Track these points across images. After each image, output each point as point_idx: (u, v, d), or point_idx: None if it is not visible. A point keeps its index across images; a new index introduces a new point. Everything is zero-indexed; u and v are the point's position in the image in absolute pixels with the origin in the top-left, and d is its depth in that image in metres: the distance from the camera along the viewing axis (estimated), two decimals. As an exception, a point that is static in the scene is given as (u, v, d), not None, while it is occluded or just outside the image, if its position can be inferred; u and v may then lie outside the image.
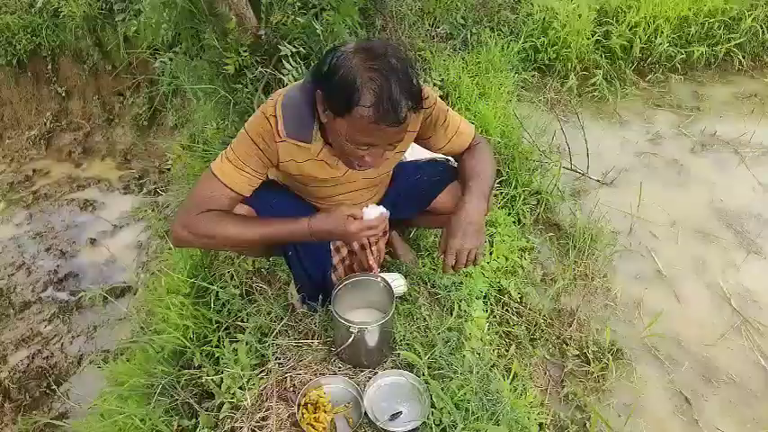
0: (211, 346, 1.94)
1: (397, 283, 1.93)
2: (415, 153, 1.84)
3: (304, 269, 1.75)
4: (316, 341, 1.80)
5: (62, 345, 3.52)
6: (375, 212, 1.47)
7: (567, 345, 2.28)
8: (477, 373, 1.66)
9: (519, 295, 2.38)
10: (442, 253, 1.55)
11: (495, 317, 2.24)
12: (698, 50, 3.89)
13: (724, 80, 3.99)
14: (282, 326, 1.86)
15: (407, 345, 1.77)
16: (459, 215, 1.52)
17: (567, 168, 3.07)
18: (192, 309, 2.12)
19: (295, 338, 1.82)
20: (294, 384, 1.67)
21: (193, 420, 1.83)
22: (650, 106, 3.74)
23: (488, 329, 2.10)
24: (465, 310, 1.94)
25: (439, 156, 1.83)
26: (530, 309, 2.38)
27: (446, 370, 1.66)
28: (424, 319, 1.88)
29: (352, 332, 1.58)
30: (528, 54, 3.87)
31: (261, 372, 1.74)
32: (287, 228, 1.52)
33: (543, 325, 2.33)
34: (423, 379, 1.64)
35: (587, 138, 3.16)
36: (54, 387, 3.23)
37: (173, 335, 2.06)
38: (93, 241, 4.21)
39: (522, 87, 3.74)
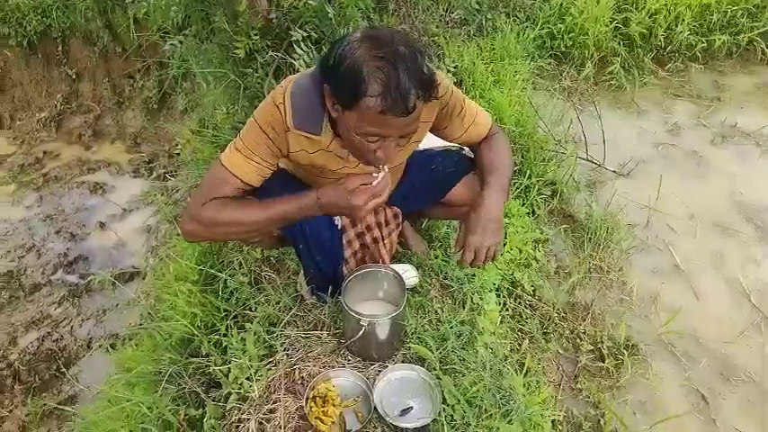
0: (219, 335, 1.92)
1: (409, 274, 1.89)
2: (427, 142, 1.79)
3: (315, 262, 1.71)
4: (325, 333, 1.77)
5: (72, 328, 3.53)
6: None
7: (580, 339, 2.24)
8: (491, 369, 1.61)
9: (532, 288, 2.34)
10: (459, 249, 1.51)
11: (507, 310, 2.20)
12: (719, 39, 3.78)
13: (746, 70, 3.89)
14: (291, 316, 1.83)
15: (419, 338, 1.73)
16: (478, 212, 1.48)
17: (583, 158, 3.00)
18: (199, 296, 2.09)
19: (304, 329, 1.79)
20: (302, 377, 1.64)
21: (200, 410, 1.81)
22: (669, 96, 3.65)
23: (501, 323, 2.06)
24: (477, 303, 1.90)
25: (452, 145, 1.78)
26: (543, 302, 2.33)
27: (458, 365, 1.62)
28: (436, 311, 1.84)
29: (362, 325, 1.55)
30: (544, 41, 3.78)
31: (269, 363, 1.71)
32: (296, 204, 1.45)
33: (557, 319, 2.28)
34: (434, 374, 1.60)
35: (604, 128, 3.08)
36: (63, 370, 3.24)
37: (180, 323, 2.04)
38: (102, 225, 4.20)
39: (538, 75, 3.66)
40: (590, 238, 2.58)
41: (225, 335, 1.91)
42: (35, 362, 3.32)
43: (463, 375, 1.59)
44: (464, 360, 1.63)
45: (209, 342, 1.92)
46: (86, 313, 3.61)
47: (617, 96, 3.64)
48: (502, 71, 3.24)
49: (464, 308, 1.89)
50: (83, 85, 5.21)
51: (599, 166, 3.02)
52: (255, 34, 2.96)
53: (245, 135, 1.45)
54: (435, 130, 1.62)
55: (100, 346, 3.38)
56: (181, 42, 3.07)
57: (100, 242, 4.10)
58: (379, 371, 1.65)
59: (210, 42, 3.13)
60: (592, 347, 2.21)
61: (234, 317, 1.99)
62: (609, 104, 3.54)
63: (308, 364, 1.67)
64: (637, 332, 2.28)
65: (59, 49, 5.04)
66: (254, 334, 1.82)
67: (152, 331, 2.20)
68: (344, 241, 1.72)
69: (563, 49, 3.78)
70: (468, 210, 1.51)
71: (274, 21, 3.02)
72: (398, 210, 1.77)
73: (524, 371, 1.81)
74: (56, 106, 5.17)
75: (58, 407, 2.89)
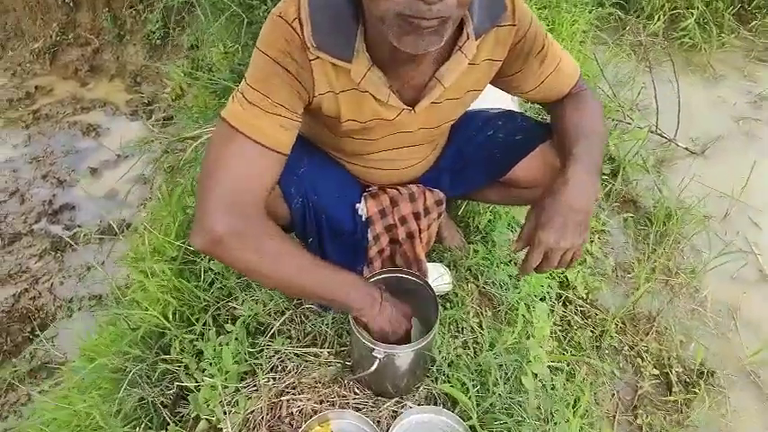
0: (195, 334, 1.52)
1: (441, 279, 1.45)
2: (480, 102, 1.31)
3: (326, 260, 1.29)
4: (325, 351, 1.35)
5: (51, 285, 3.17)
6: None
7: (642, 360, 1.81)
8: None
9: (586, 291, 1.90)
10: (523, 245, 1.07)
11: (556, 322, 1.77)
12: (818, -6, 3.18)
13: None
14: (283, 323, 1.41)
15: (451, 366, 1.30)
16: (557, 197, 1.02)
17: (654, 132, 2.49)
18: (175, 281, 1.68)
19: (298, 343, 1.37)
20: (291, 413, 1.23)
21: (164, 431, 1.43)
22: (752, 60, 3.08)
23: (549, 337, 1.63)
24: (524, 316, 1.46)
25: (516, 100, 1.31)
26: (597, 308, 1.90)
27: (502, 416, 1.20)
28: (472, 329, 1.40)
29: (376, 357, 1.12)
30: (607, -14, 3.20)
31: (249, 386, 1.31)
32: (359, 295, 1.12)
33: (613, 331, 1.85)
34: (468, 424, 1.18)
35: (670, 96, 2.56)
36: (38, 333, 2.90)
37: (149, 312, 1.64)
38: (93, 171, 3.80)
39: (597, 27, 3.10)
40: (657, 231, 2.12)
41: (202, 333, 1.51)
42: (8, 322, 2.98)
43: (509, 432, 1.16)
44: (510, 408, 1.21)
45: (181, 341, 1.53)
46: (69, 270, 3.25)
47: (689, 57, 3.08)
48: (557, 19, 2.70)
49: (506, 323, 1.46)
50: (81, 15, 4.71)
51: (669, 141, 2.51)
52: (266, -43, 2.45)
53: (254, 79, 0.99)
54: (502, 78, 1.14)
55: (80, 309, 3.04)
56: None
57: (89, 190, 3.70)
58: (395, 411, 1.24)
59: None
60: (657, 372, 1.78)
61: (216, 309, 1.59)
62: (680, 67, 2.98)
63: (300, 395, 1.25)
64: (712, 354, 1.85)
65: (56, -28, 4.53)
66: (235, 341, 1.41)
67: (117, 316, 1.81)
68: (370, 236, 1.27)
69: (628, -2, 3.21)
70: (543, 193, 1.06)
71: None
72: (442, 195, 1.31)
73: (580, 411, 1.39)
74: (51, 36, 4.69)
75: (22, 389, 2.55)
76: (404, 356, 1.16)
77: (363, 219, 1.25)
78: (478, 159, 1.28)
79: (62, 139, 4.06)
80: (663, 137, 2.50)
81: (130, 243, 2.23)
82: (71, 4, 4.66)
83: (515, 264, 1.62)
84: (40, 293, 3.15)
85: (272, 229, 1.03)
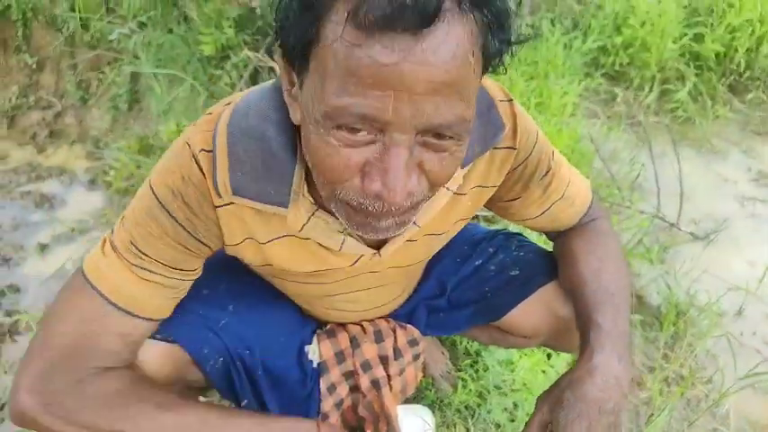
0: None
1: (419, 424, 1.16)
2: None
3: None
4: None
5: (-15, 382, 2.79)
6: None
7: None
8: None
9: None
10: None
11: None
12: (813, 66, 3.07)
13: None
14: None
15: None
16: (581, 393, 0.76)
17: (655, 216, 2.26)
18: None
19: None
20: None
21: None
22: (749, 134, 2.93)
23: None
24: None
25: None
26: None
27: None
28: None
29: None
30: (595, 56, 3.05)
31: None
32: None
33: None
34: None
35: (668, 173, 2.37)
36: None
37: None
38: (44, 247, 3.47)
39: (585, 98, 2.94)
40: (667, 334, 1.86)
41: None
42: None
43: None
44: None
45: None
46: (7, 364, 2.87)
47: (684, 131, 2.91)
48: (545, 91, 2.53)
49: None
50: (44, 77, 4.50)
51: (671, 226, 2.28)
52: (230, 26, 2.25)
53: (133, 224, 0.72)
54: (497, 204, 0.90)
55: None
56: (132, 32, 2.35)
57: (37, 269, 3.36)
58: None
59: (173, 33, 2.41)
60: None
61: None
62: (676, 140, 2.80)
63: None
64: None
65: (19, 33, 4.35)
66: None
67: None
68: (323, 387, 0.99)
69: (617, 68, 3.06)
70: (561, 382, 0.80)
71: (258, 10, 2.31)
72: (417, 332, 1.04)
73: None
74: (10, 99, 4.46)
75: None
76: None
77: (315, 365, 0.97)
78: (463, 297, 1.02)
79: (13, 210, 3.75)
80: (664, 221, 2.28)
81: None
82: (33, 66, 4.46)
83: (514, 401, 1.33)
84: (-30, 392, 2.77)
85: (126, 399, 0.74)
